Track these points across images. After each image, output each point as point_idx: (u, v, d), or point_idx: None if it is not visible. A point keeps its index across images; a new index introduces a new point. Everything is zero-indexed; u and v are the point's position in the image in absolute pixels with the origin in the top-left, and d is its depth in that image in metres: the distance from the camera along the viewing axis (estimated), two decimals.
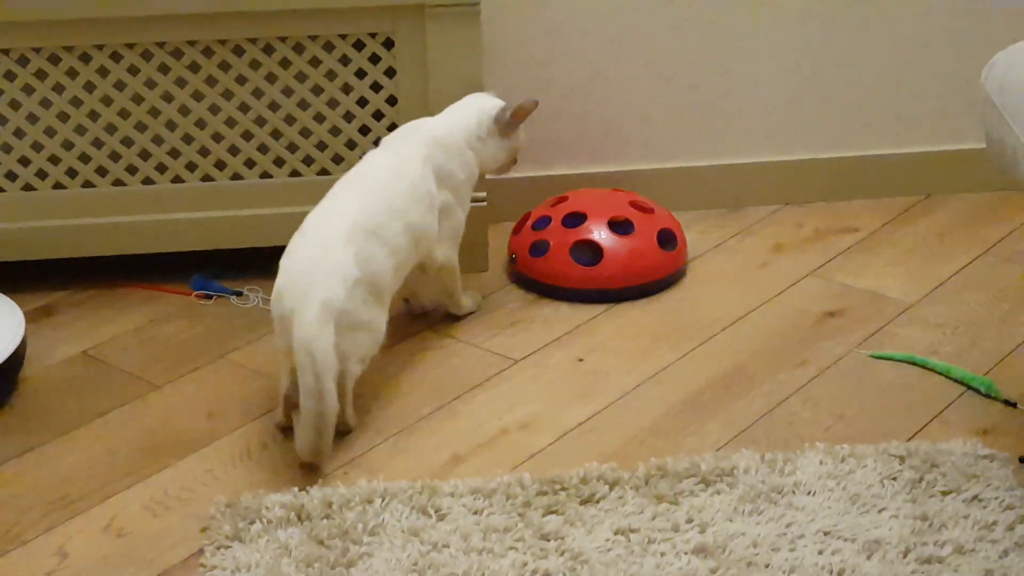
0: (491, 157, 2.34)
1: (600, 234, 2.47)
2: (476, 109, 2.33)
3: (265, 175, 2.47)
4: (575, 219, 2.50)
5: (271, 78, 2.42)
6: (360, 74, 2.43)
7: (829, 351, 2.27)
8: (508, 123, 2.32)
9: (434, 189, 2.23)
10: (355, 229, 2.07)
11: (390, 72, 2.42)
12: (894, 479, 1.90)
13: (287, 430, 2.05)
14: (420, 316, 2.41)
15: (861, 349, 2.27)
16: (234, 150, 2.47)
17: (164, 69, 2.40)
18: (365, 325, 2.07)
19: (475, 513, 1.86)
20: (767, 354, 2.27)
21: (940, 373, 2.19)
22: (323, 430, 1.94)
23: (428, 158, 2.23)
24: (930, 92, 2.79)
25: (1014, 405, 2.09)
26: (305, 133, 2.46)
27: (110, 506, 1.92)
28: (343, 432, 2.05)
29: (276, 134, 2.45)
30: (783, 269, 2.56)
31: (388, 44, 2.41)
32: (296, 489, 1.92)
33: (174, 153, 2.45)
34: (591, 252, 2.47)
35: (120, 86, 2.40)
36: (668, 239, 2.52)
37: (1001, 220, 2.71)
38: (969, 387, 2.14)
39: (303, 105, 2.44)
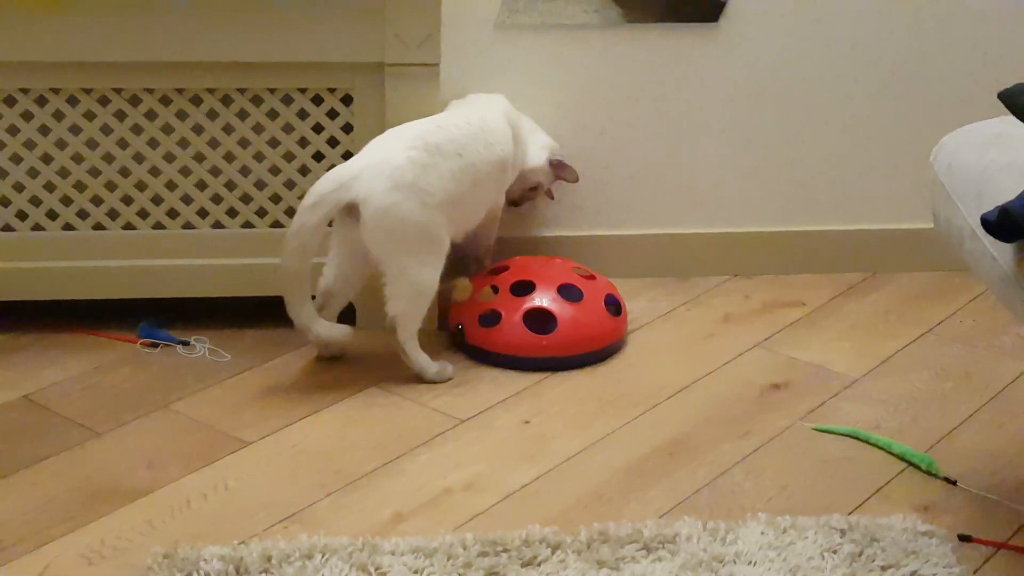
0: (527, 160, 2.59)
1: (552, 302, 2.47)
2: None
3: (218, 225, 2.46)
4: (523, 288, 2.49)
5: (228, 129, 2.42)
6: (317, 128, 2.43)
7: (773, 423, 2.28)
8: (557, 165, 2.62)
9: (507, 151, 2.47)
10: (416, 138, 2.29)
11: (347, 128, 2.43)
12: (834, 552, 1.91)
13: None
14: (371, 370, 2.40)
15: (805, 422, 2.29)
16: (187, 199, 2.46)
17: (120, 115, 2.39)
18: (411, 249, 2.30)
19: (415, 572, 1.84)
20: (712, 423, 2.28)
21: (882, 448, 2.20)
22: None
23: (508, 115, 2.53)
24: (879, 171, 2.83)
25: (954, 483, 2.11)
26: (260, 185, 2.46)
27: (45, 553, 1.89)
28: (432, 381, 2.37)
29: (230, 185, 2.45)
30: (730, 340, 2.58)
31: (347, 100, 2.42)
32: (235, 542, 1.90)
33: (126, 200, 2.44)
34: (542, 320, 2.46)
35: (75, 130, 2.39)
36: (613, 305, 2.53)
37: (946, 300, 2.74)
38: (910, 464, 2.16)
39: (259, 157, 2.44)
